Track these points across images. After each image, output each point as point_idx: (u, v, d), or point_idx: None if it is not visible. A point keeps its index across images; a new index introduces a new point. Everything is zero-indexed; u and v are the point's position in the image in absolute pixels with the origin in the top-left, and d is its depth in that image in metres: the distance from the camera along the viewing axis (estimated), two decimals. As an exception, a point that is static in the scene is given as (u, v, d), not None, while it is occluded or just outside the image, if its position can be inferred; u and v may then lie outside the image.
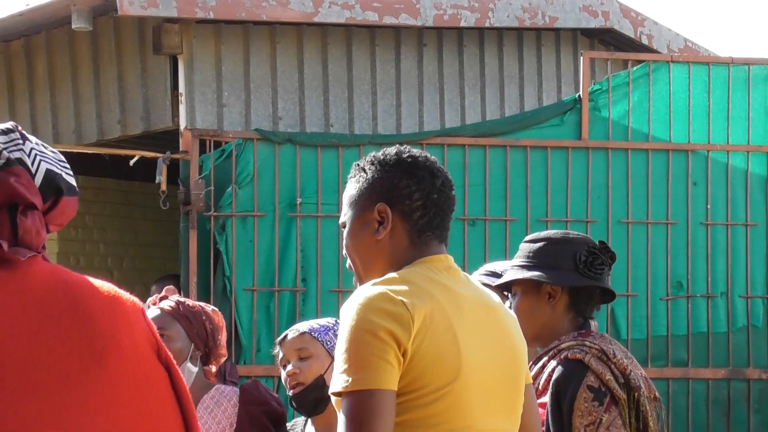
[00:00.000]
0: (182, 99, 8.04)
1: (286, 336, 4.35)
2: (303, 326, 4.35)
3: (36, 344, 2.26)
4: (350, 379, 2.78)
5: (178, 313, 4.53)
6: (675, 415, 7.91)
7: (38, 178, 2.39)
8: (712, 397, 8.21)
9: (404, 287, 2.87)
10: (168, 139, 8.14)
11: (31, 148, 2.41)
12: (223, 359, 4.82)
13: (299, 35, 8.59)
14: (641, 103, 8.47)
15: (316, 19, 8.31)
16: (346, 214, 3.13)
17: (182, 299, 4.73)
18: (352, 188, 3.11)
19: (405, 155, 3.09)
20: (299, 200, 7.85)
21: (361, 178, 3.10)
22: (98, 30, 8.07)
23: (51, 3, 7.90)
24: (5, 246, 2.28)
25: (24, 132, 2.44)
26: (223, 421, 4.65)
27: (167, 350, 2.49)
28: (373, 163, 3.10)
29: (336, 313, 4.53)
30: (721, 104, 8.47)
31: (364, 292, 2.87)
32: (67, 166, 2.48)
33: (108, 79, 8.58)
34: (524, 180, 8.11)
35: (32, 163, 2.39)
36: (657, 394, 3.89)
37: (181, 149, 7.84)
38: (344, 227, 3.14)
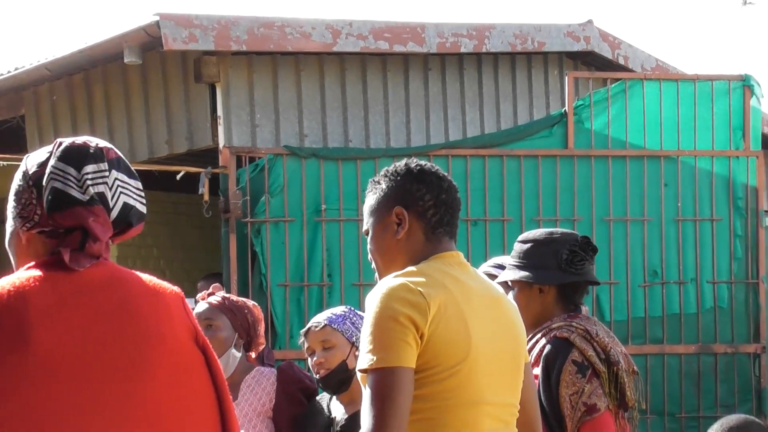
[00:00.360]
0: (220, 121, 8.08)
1: (309, 329, 4.37)
2: (323, 318, 4.36)
3: (89, 339, 2.27)
4: (375, 358, 2.82)
5: (224, 307, 4.56)
6: (652, 386, 7.93)
7: (114, 212, 2.39)
8: (684, 370, 8.24)
9: (422, 279, 2.90)
10: (209, 156, 8.16)
11: (115, 179, 2.40)
12: (262, 347, 4.85)
13: (320, 63, 8.61)
14: (619, 115, 8.49)
15: (334, 49, 8.34)
16: (368, 222, 3.17)
17: (227, 295, 4.76)
18: (370, 199, 3.16)
19: (413, 165, 3.13)
20: (324, 207, 7.85)
21: (377, 190, 3.14)
22: (147, 63, 8.10)
23: (106, 41, 7.93)
24: (67, 257, 2.28)
25: (114, 155, 2.44)
26: (263, 397, 4.68)
27: (204, 335, 2.51)
28: (386, 176, 3.14)
29: (357, 304, 4.60)
30: (689, 115, 8.47)
31: (387, 283, 2.91)
32: (143, 194, 2.48)
33: (156, 105, 8.61)
34: (519, 185, 8.12)
35: (112, 197, 2.38)
36: (635, 368, 3.91)
37: (220, 165, 7.86)
38: (367, 234, 3.17)
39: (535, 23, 9.54)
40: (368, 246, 3.18)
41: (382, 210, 3.11)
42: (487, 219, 8.05)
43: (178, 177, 7.98)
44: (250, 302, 4.79)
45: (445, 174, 3.17)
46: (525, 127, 8.81)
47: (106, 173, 2.39)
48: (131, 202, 2.43)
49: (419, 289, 2.87)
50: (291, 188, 7.85)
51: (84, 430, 2.22)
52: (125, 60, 7.82)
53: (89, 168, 2.35)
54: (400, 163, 3.15)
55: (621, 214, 8.29)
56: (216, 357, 2.51)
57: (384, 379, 2.81)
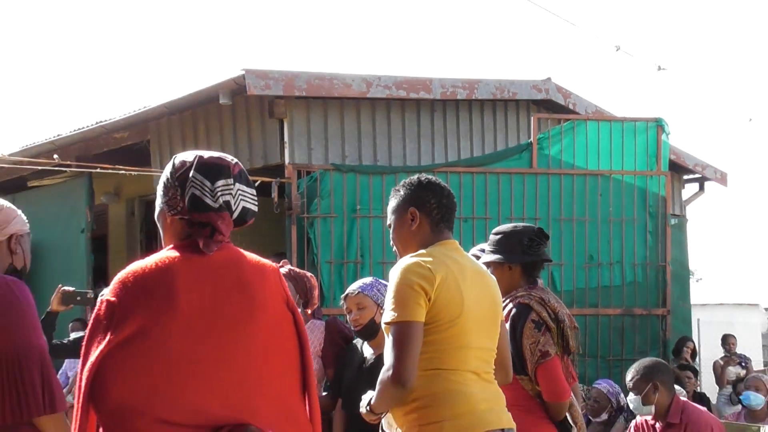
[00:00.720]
0: (286, 145, 8.09)
1: (347, 294, 4.37)
2: (357, 287, 4.36)
3: (214, 303, 2.30)
4: (396, 314, 2.86)
5: (290, 276, 4.56)
6: (589, 337, 8.00)
7: (235, 214, 2.41)
8: (612, 326, 8.33)
9: (429, 258, 2.95)
10: (278, 170, 8.12)
11: (237, 190, 2.40)
12: (316, 306, 4.86)
13: (357, 106, 8.64)
14: (569, 145, 8.54)
15: (368, 96, 8.39)
16: (390, 219, 3.21)
17: (293, 267, 4.80)
18: (392, 202, 3.19)
19: (423, 179, 3.17)
20: (358, 207, 7.90)
21: (398, 195, 3.18)
22: (235, 104, 8.13)
23: (207, 88, 8.00)
24: (201, 244, 2.33)
25: (238, 169, 2.44)
26: (314, 341, 4.72)
27: (289, 293, 2.53)
28: (404, 186, 3.18)
29: (382, 276, 4.67)
30: (617, 145, 8.53)
31: (405, 261, 2.96)
32: (255, 198, 2.48)
33: (241, 134, 8.62)
34: (497, 193, 8.17)
35: (235, 204, 2.40)
36: (576, 324, 3.93)
37: (286, 176, 7.88)
38: (390, 227, 3.21)
39: (510, 79, 9.52)
40: (391, 235, 3.22)
41: (400, 210, 3.16)
42: (474, 217, 8.08)
43: (256, 184, 8.02)
44: (308, 273, 4.80)
45: (446, 185, 3.20)
46: (502, 153, 8.85)
47: (232, 186, 2.39)
48: (248, 206, 2.45)
49: (428, 265, 2.92)
50: (335, 194, 7.89)
51: (213, 360, 2.26)
52: (220, 101, 7.87)
53: (220, 182, 2.37)
54: (414, 177, 3.20)
55: (569, 215, 8.34)
56: (301, 315, 2.53)
57: (402, 329, 2.85)
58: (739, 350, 10.30)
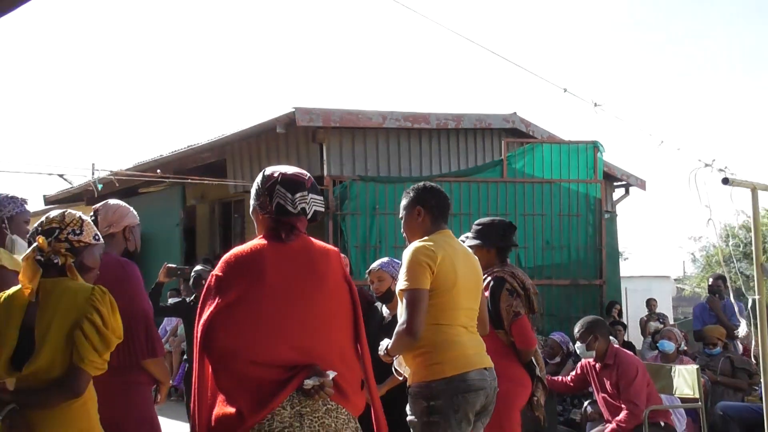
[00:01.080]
0: (325, 162, 8.09)
1: (371, 269, 4.35)
2: (377, 264, 4.34)
3: (291, 277, 2.33)
4: (408, 283, 2.85)
5: None
6: (547, 301, 7.90)
7: (309, 215, 2.42)
8: (563, 293, 8.19)
9: (432, 243, 2.94)
10: (318, 180, 8.04)
11: (311, 198, 2.42)
12: None
13: (376, 133, 8.60)
14: (529, 161, 8.43)
15: (384, 126, 8.36)
16: (402, 213, 3.18)
17: None
18: (404, 201, 3.18)
19: (427, 185, 3.16)
20: (377, 207, 7.82)
21: (408, 197, 3.16)
22: (288, 132, 8.09)
23: (268, 121, 7.99)
24: (284, 236, 2.36)
25: (311, 182, 2.45)
26: None
27: (349, 275, 2.55)
28: (413, 189, 3.16)
29: (394, 256, 4.63)
30: (565, 160, 8.43)
31: (415, 245, 2.95)
32: (323, 201, 2.48)
33: (292, 154, 8.59)
34: (477, 196, 8.07)
35: (309, 209, 2.42)
36: (537, 291, 3.87)
37: (324, 185, 7.84)
38: (402, 220, 3.18)
39: (487, 113, 9.49)
40: (402, 226, 3.20)
41: (410, 207, 3.14)
42: (461, 213, 7.89)
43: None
44: (342, 255, 4.72)
45: (442, 189, 3.19)
46: (481, 167, 8.76)
47: (307, 196, 2.41)
48: (318, 209, 2.45)
49: (431, 247, 2.91)
50: (360, 197, 7.83)
51: (290, 319, 2.28)
52: (277, 130, 7.88)
53: (298, 195, 2.39)
54: (420, 184, 3.19)
55: (530, 211, 8.21)
56: (355, 287, 2.53)
57: (413, 294, 2.84)
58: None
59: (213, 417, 2.24)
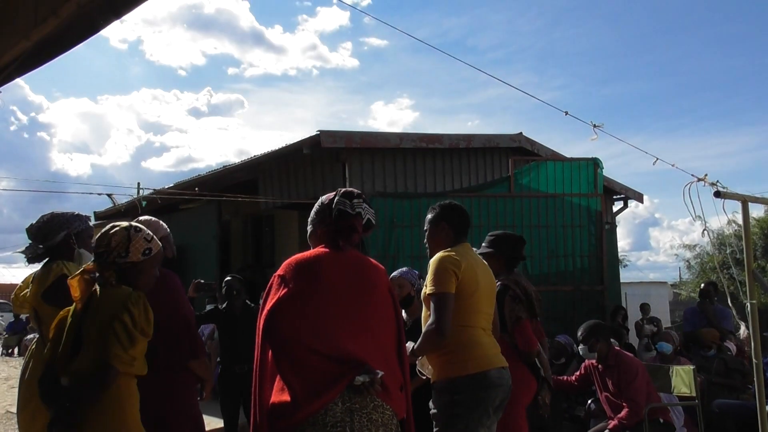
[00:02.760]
0: (347, 180, 8.09)
1: (392, 277, 4.27)
2: (397, 273, 4.31)
3: (343, 281, 2.36)
4: (436, 288, 2.87)
5: None
6: (551, 306, 7.81)
7: (363, 221, 2.50)
8: (567, 298, 8.10)
9: (456, 253, 2.96)
10: None
11: (364, 207, 2.52)
12: None
13: (394, 153, 8.60)
14: (535, 177, 8.40)
15: (401, 146, 8.37)
16: (427, 226, 3.21)
17: None
18: (430, 215, 3.21)
19: (452, 203, 3.20)
20: (395, 220, 7.78)
21: (434, 212, 3.19)
22: (313, 153, 8.09)
23: (295, 143, 8.02)
24: (342, 245, 2.42)
25: (363, 197, 2.55)
26: None
27: (393, 287, 2.59)
28: (439, 206, 3.20)
29: (411, 266, 4.62)
30: (567, 176, 8.40)
31: (441, 254, 2.98)
32: (373, 213, 2.56)
33: (317, 173, 8.62)
34: (486, 210, 8.03)
35: (363, 215, 2.50)
36: (540, 298, 3.85)
37: None
38: (426, 231, 3.21)
39: (495, 134, 9.49)
40: (426, 238, 3.22)
41: (435, 222, 3.17)
42: (472, 225, 7.86)
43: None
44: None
45: (464, 207, 3.22)
46: (490, 183, 8.72)
47: (362, 204, 2.50)
48: (371, 218, 2.53)
49: (456, 257, 2.94)
50: (379, 211, 7.72)
51: (343, 316, 2.31)
52: (303, 152, 7.89)
53: (355, 201, 2.49)
54: (445, 202, 3.23)
55: (536, 223, 8.15)
56: (398, 301, 2.60)
57: (441, 297, 2.86)
58: (652, 314, 10.09)
59: (271, 404, 2.26)
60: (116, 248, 2.49)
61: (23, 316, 16.34)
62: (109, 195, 7.27)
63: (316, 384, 2.19)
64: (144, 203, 7.50)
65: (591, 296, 8.23)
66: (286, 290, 2.30)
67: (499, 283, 3.71)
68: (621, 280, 10.60)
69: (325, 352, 2.22)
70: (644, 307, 9.90)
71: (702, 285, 7.61)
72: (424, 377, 3.06)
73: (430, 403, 2.98)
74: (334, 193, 2.54)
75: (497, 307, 3.57)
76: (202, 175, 10.08)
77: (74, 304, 2.48)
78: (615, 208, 11.79)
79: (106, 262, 2.48)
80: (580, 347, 4.91)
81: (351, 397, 2.21)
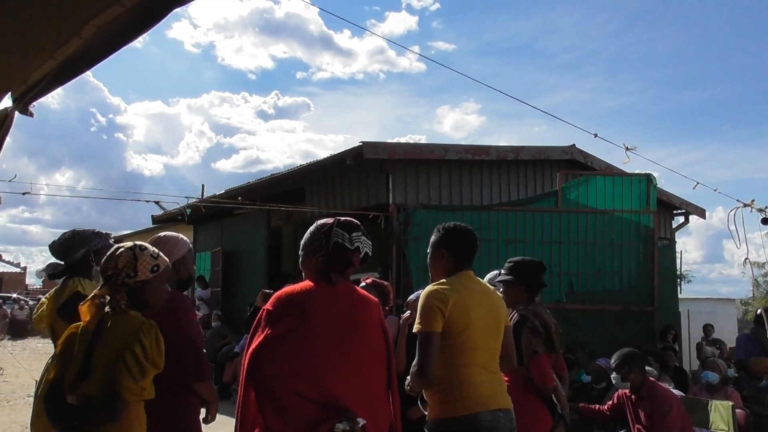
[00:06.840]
0: (390, 191, 8.11)
1: (408, 301, 4.25)
2: (414, 296, 4.21)
3: (334, 319, 2.34)
4: (421, 326, 2.77)
5: (374, 285, 4.35)
6: (597, 326, 7.55)
7: (361, 255, 2.46)
8: (614, 318, 7.76)
9: (447, 287, 2.83)
10: (384, 207, 8.19)
11: (362, 240, 2.47)
12: (391, 305, 4.61)
13: (439, 165, 8.55)
14: (584, 192, 8.17)
15: (445, 158, 8.32)
16: (428, 252, 3.07)
17: (376, 279, 4.56)
18: (432, 239, 3.05)
19: (457, 227, 3.01)
20: None
21: (437, 235, 3.03)
22: (357, 164, 8.12)
23: (338, 154, 8.14)
24: (333, 278, 2.39)
25: (361, 228, 2.49)
26: (391, 329, 4.59)
27: (385, 321, 2.55)
28: (443, 228, 3.03)
29: None
30: (618, 191, 8.13)
31: (428, 289, 2.86)
32: (371, 244, 2.50)
33: (362, 184, 8.65)
34: (532, 224, 7.87)
35: (362, 249, 2.46)
36: (559, 329, 3.65)
37: (389, 211, 7.86)
38: (428, 256, 3.07)
39: (545, 146, 9.31)
40: (428, 263, 3.07)
41: (435, 248, 3.02)
42: (516, 240, 7.79)
43: (370, 216, 8.10)
44: (386, 282, 4.58)
45: (473, 231, 3.01)
46: (537, 197, 8.55)
47: (360, 237, 2.46)
48: (368, 250, 2.49)
49: (444, 291, 2.80)
50: (422, 223, 7.75)
51: (330, 357, 2.29)
52: (347, 163, 7.96)
53: (354, 234, 2.44)
54: (449, 225, 3.02)
55: (584, 239, 7.92)
56: (390, 335, 2.54)
57: (425, 337, 2.77)
58: (718, 333, 9.61)
59: None
60: (124, 269, 2.52)
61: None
62: (156, 202, 7.55)
63: (297, 429, 2.17)
64: (188, 211, 7.71)
65: (640, 317, 7.91)
66: (272, 330, 2.26)
67: (516, 313, 3.59)
68: (685, 296, 10.17)
69: (308, 396, 2.19)
70: (707, 328, 9.45)
71: (758, 310, 7.17)
72: (426, 411, 2.98)
73: None
74: (332, 220, 2.46)
75: (514, 339, 3.44)
76: (251, 182, 10.30)
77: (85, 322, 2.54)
78: (675, 224, 11.32)
79: (115, 284, 2.52)
80: (612, 375, 4.73)
81: None
